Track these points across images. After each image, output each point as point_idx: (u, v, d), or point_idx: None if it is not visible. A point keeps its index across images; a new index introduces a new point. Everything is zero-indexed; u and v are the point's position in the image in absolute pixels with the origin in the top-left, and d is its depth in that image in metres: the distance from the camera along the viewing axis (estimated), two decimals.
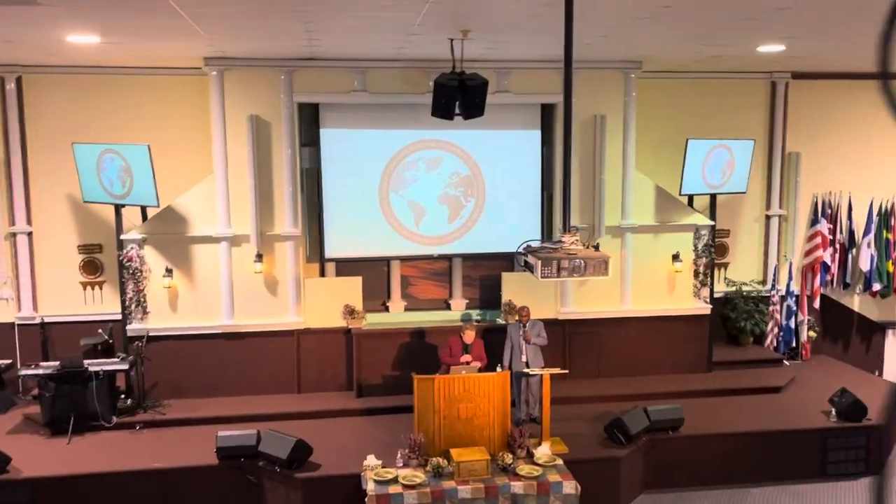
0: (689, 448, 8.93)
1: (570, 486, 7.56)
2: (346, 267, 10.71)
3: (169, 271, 9.68)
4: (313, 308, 10.21)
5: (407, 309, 10.94)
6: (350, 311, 10.23)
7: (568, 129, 5.83)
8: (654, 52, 9.52)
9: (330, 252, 10.39)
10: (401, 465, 7.93)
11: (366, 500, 7.42)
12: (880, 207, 11.93)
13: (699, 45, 8.93)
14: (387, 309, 10.95)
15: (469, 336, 9.14)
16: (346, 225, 10.31)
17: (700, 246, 10.71)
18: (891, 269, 11.93)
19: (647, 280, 10.57)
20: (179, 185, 9.87)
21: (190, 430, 9.06)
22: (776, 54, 9.67)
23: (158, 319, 9.79)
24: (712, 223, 10.83)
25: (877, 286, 11.94)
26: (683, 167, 10.53)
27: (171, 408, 9.57)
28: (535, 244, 5.41)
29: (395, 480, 7.57)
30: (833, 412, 9.40)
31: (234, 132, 9.68)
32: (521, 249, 5.29)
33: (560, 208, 10.41)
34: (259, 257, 9.85)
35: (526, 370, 8.89)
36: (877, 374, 12.14)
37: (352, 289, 10.33)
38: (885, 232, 11.96)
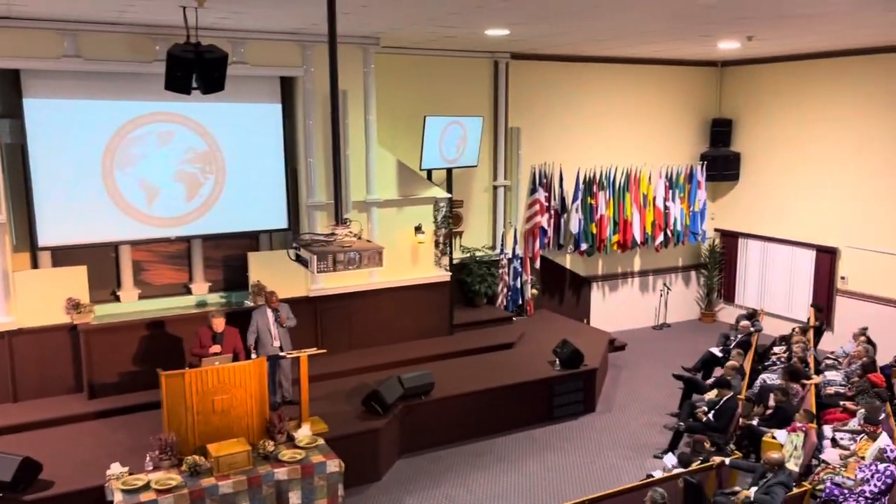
0: (439, 409, 9.52)
1: (334, 465, 7.65)
2: (66, 255, 9.50)
3: None
4: (27, 305, 8.94)
5: (142, 297, 10.06)
6: (74, 305, 9.15)
7: (335, 118, 5.78)
8: (391, 30, 9.71)
9: (44, 239, 9.11)
10: (151, 468, 7.36)
11: None
12: (585, 176, 13.59)
13: (434, 26, 9.30)
14: (118, 299, 9.96)
15: (218, 324, 8.66)
16: (63, 208, 9.10)
17: (440, 217, 11.31)
18: (594, 230, 13.71)
19: (393, 252, 10.86)
20: None
21: None
22: (502, 37, 10.43)
23: None
24: (449, 195, 11.49)
25: (584, 246, 13.65)
26: (423, 143, 10.97)
27: None
28: (307, 238, 5.29)
29: (146, 487, 7.01)
30: (557, 361, 10.63)
31: None
32: (293, 245, 5.14)
33: (306, 184, 10.29)
34: None
35: (281, 353, 8.70)
36: (585, 321, 13.96)
37: (75, 279, 9.22)
38: (589, 198, 13.67)
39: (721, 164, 14.63)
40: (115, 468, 7.20)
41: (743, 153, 14.68)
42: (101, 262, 9.80)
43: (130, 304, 9.91)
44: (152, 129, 9.46)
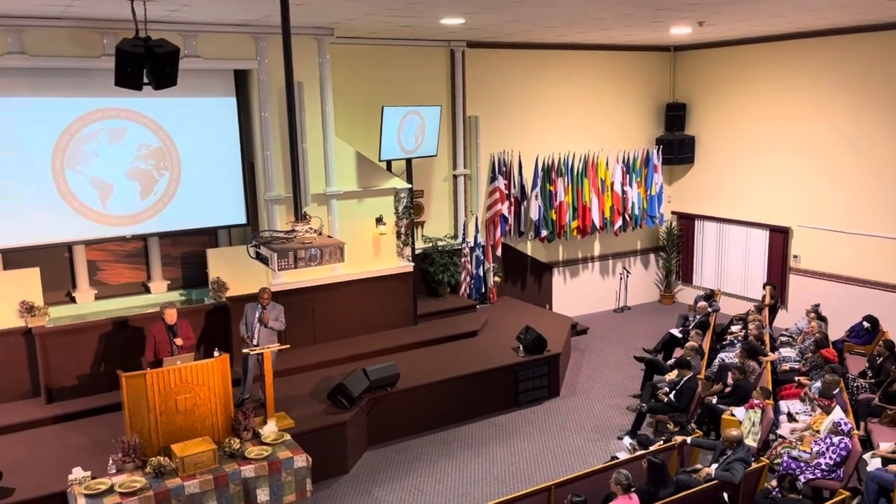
0: (405, 399, 9.55)
1: (301, 460, 7.62)
2: (16, 257, 9.24)
3: None
4: None
5: (98, 297, 9.86)
6: (28, 308, 8.93)
7: (291, 110, 5.72)
8: (346, 21, 9.62)
9: None
10: (114, 472, 7.25)
11: None
12: (544, 163, 13.68)
13: (390, 16, 9.24)
14: (73, 300, 9.75)
15: (171, 316, 8.53)
16: (11, 209, 8.85)
17: (400, 208, 11.29)
18: (554, 216, 13.83)
19: (354, 244, 10.81)
20: None
21: None
22: (457, 25, 10.42)
23: None
24: (410, 186, 11.47)
25: (544, 232, 13.76)
26: (381, 134, 10.92)
27: None
28: (267, 235, 5.23)
29: (110, 490, 6.90)
30: (520, 348, 10.74)
31: None
32: (252, 242, 5.08)
33: (263, 178, 10.17)
34: None
35: (245, 350, 8.61)
36: (548, 307, 14.11)
37: (27, 282, 8.99)
38: (548, 185, 13.78)
39: (676, 147, 14.87)
40: (78, 473, 7.06)
41: (697, 136, 14.94)
42: (54, 263, 9.57)
43: (87, 306, 9.71)
44: (103, 125, 9.24)
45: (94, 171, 9.26)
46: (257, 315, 8.83)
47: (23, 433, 8.36)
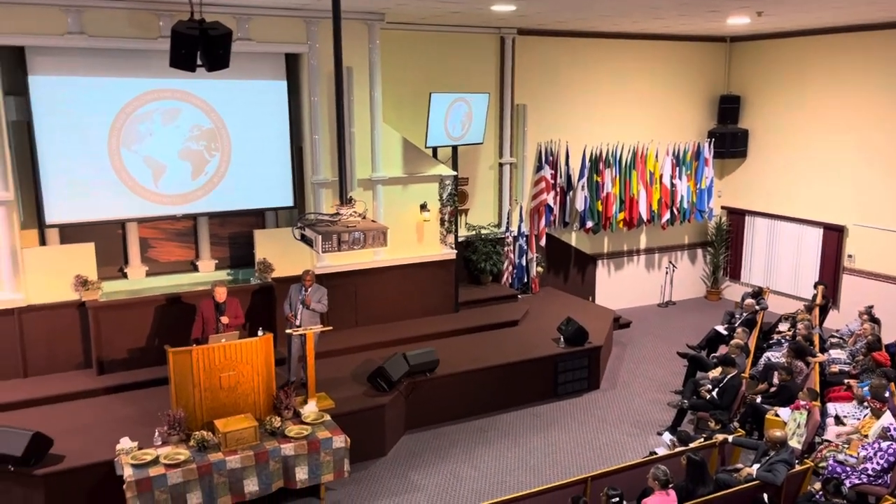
0: (444, 386, 9.59)
1: (340, 441, 7.73)
2: (73, 232, 9.55)
3: None
4: (36, 282, 9.00)
5: (149, 274, 10.12)
6: (82, 282, 9.21)
7: (340, 95, 5.76)
8: (396, 6, 9.63)
9: (51, 217, 9.15)
10: (160, 443, 7.47)
11: (124, 487, 6.88)
12: (591, 154, 13.52)
13: (440, 2, 9.21)
14: (125, 276, 10.02)
15: (220, 293, 8.77)
16: (70, 185, 9.13)
17: (445, 195, 11.29)
18: (600, 207, 13.67)
19: (398, 230, 10.87)
20: None
21: None
22: (508, 12, 10.33)
23: None
24: (455, 173, 11.46)
25: (589, 223, 13.62)
26: (428, 120, 10.92)
27: None
28: (312, 217, 5.30)
29: (155, 461, 7.11)
30: (561, 339, 10.67)
31: None
32: (298, 224, 5.15)
33: (311, 161, 10.28)
34: None
35: (289, 331, 8.74)
36: (591, 299, 13.99)
37: (83, 257, 9.27)
38: (595, 175, 13.62)
39: (729, 141, 14.53)
40: (125, 443, 7.30)
41: (751, 130, 14.56)
42: (108, 239, 9.84)
43: (138, 282, 9.97)
44: (157, 106, 9.45)
45: (148, 150, 9.48)
46: (300, 297, 8.96)
47: (74, 402, 8.65)
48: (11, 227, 8.80)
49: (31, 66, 8.72)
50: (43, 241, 9.49)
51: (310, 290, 9.00)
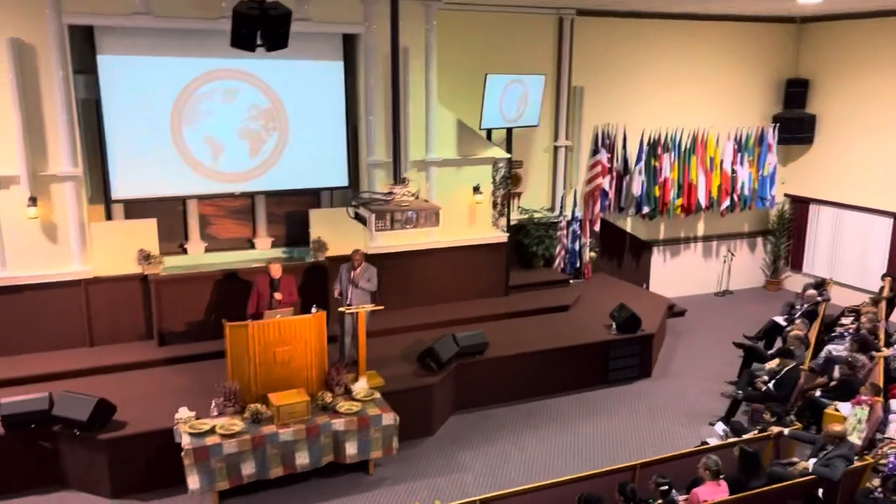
0: (493, 368, 9.60)
1: (389, 418, 7.83)
2: (137, 208, 9.87)
3: None
4: (102, 255, 9.34)
5: (208, 250, 10.39)
6: (146, 256, 9.52)
7: (396, 75, 5.79)
8: None
9: (117, 192, 9.46)
10: (216, 414, 7.70)
11: (181, 454, 7.13)
12: (650, 138, 13.25)
13: None
14: (185, 251, 10.32)
15: (276, 270, 8.96)
16: (135, 162, 9.42)
17: (498, 178, 11.23)
18: (657, 193, 13.41)
19: (450, 212, 10.89)
20: None
21: None
22: None
23: None
24: (509, 156, 11.38)
25: (646, 209, 13.38)
26: (483, 102, 10.86)
27: None
28: (366, 196, 5.36)
29: (211, 431, 7.34)
30: (613, 325, 10.55)
31: None
32: (353, 202, 5.22)
33: (366, 142, 10.35)
34: (33, 201, 8.74)
35: (341, 309, 8.87)
36: (645, 286, 13.77)
37: (146, 232, 9.58)
38: (653, 160, 13.35)
39: (795, 126, 14.03)
40: (183, 412, 7.54)
41: (819, 115, 14.03)
42: (169, 215, 10.13)
43: (197, 257, 10.25)
44: (218, 85, 9.64)
45: (208, 128, 9.69)
46: (349, 276, 9.07)
47: (136, 372, 8.98)
48: (80, 201, 9.13)
49: (99, 45, 9.00)
50: (109, 216, 9.84)
51: (359, 269, 9.10)
